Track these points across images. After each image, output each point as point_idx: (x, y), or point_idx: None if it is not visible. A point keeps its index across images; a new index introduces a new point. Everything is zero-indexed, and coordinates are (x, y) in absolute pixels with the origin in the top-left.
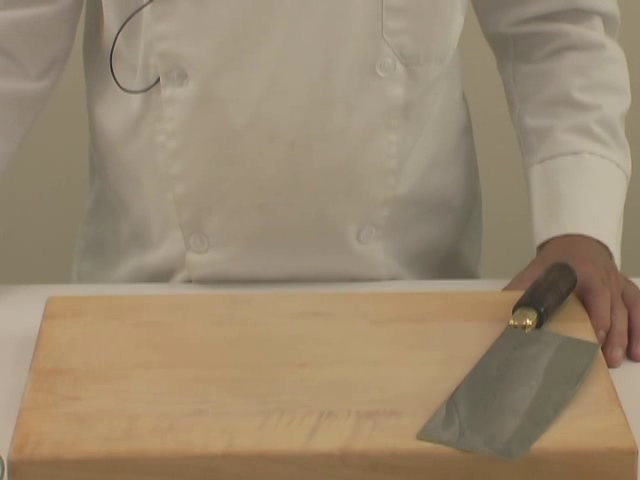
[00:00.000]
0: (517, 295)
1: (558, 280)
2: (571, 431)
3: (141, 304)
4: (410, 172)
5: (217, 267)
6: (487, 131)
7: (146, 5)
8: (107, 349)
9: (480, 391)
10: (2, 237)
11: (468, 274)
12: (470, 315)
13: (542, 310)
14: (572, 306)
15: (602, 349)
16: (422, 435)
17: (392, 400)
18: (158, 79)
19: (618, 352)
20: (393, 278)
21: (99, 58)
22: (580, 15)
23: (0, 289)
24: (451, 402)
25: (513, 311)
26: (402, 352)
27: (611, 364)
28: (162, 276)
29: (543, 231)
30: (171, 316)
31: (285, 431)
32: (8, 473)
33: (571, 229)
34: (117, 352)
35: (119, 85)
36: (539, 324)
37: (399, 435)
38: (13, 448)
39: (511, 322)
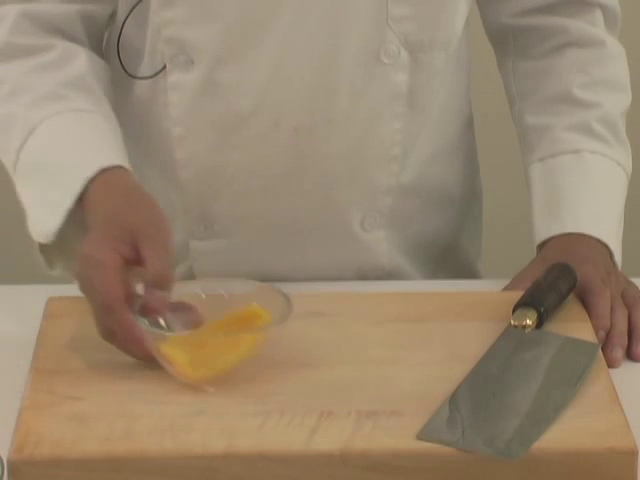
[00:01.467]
0: (517, 295)
1: (558, 280)
2: (571, 431)
3: None
4: (413, 161)
5: (220, 256)
6: (489, 130)
7: None
8: (107, 349)
9: (480, 391)
10: (2, 237)
11: (468, 267)
12: (470, 315)
13: (542, 310)
14: (572, 306)
15: (602, 349)
16: (422, 435)
17: (392, 400)
18: (165, 65)
19: (618, 352)
20: (395, 268)
21: (108, 44)
22: (581, 8)
23: (0, 289)
24: (451, 402)
25: (513, 311)
26: (402, 352)
27: (611, 364)
28: None
29: (543, 230)
30: None
31: (285, 431)
32: (8, 473)
33: (571, 228)
34: (117, 352)
35: (125, 71)
36: (539, 324)
37: (399, 435)
38: (13, 448)
39: (511, 322)
